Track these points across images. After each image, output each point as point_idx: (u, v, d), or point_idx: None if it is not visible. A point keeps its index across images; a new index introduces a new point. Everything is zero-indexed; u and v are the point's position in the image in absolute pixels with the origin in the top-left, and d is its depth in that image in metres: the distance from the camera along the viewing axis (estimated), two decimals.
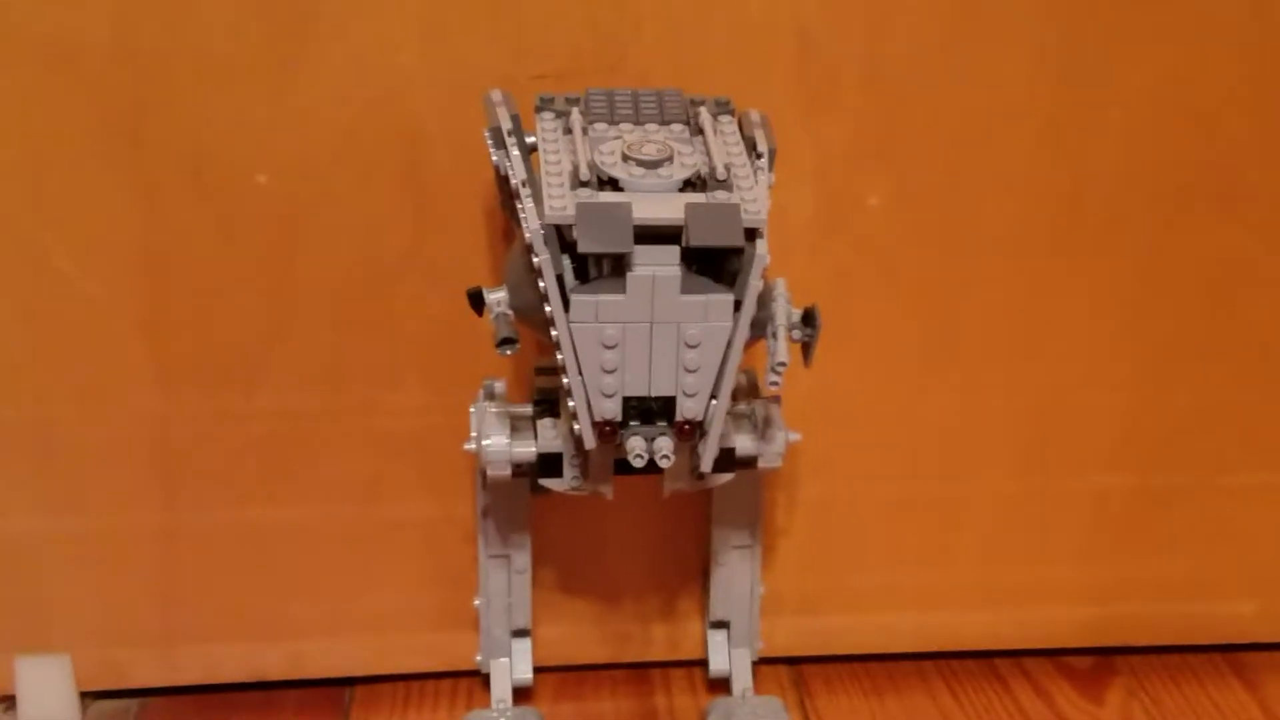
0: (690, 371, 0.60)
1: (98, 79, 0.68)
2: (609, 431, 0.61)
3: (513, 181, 0.60)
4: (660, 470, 0.63)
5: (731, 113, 0.65)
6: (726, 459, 0.69)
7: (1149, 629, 0.89)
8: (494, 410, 0.70)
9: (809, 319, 0.63)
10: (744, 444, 0.70)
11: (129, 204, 0.71)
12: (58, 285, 0.72)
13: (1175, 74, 0.74)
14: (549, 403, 0.70)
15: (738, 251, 0.57)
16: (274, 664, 0.83)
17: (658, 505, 0.77)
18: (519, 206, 0.59)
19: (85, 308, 0.73)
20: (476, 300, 0.64)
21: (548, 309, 0.58)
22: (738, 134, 0.63)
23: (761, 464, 0.71)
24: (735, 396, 0.71)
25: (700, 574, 0.83)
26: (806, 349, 0.64)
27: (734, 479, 0.71)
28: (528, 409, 0.70)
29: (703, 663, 0.84)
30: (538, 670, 0.81)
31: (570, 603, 0.84)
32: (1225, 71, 0.74)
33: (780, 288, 0.63)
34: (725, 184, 0.58)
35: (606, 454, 0.67)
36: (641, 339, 0.59)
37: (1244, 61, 0.74)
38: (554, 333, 0.58)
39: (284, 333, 0.75)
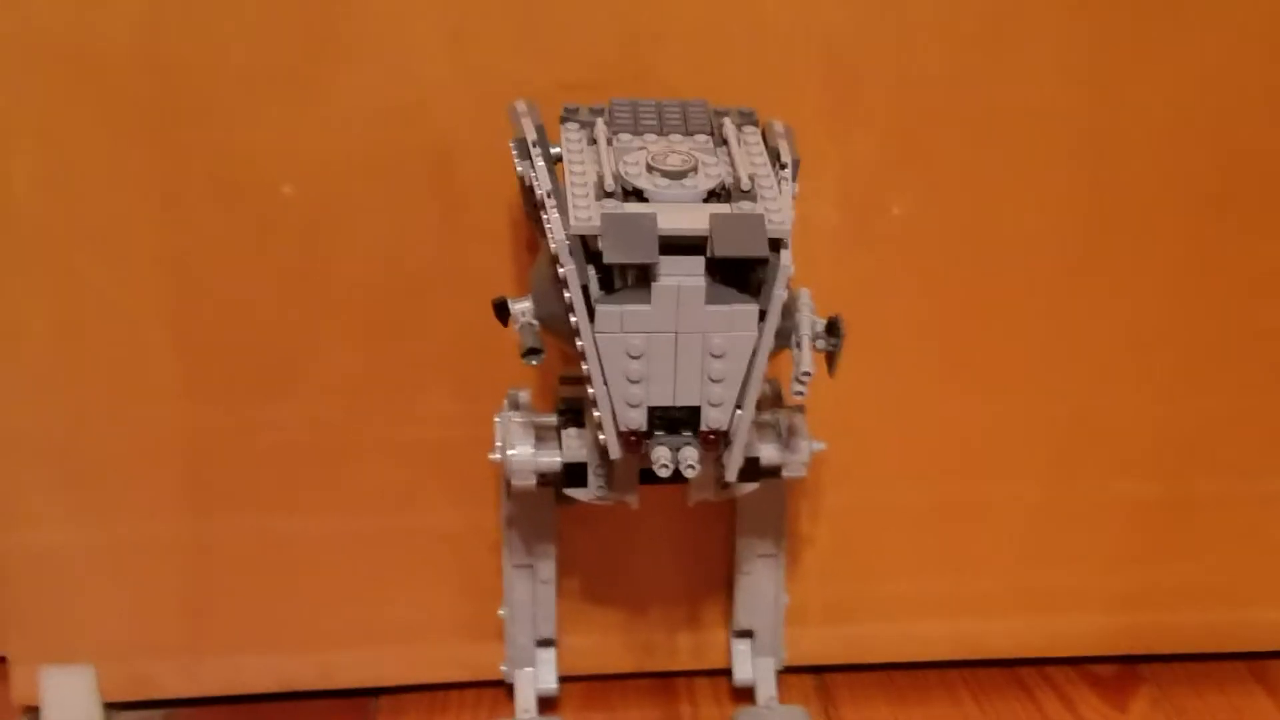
0: (715, 381, 0.60)
1: (126, 89, 0.69)
2: (634, 441, 0.61)
3: (538, 192, 0.60)
4: (685, 480, 0.63)
5: (756, 123, 0.65)
6: (751, 468, 0.69)
7: (1173, 637, 0.88)
8: (519, 420, 0.70)
9: (833, 329, 0.63)
10: (769, 453, 0.70)
11: (158, 214, 0.71)
12: (86, 295, 0.73)
13: (1205, 82, 0.74)
14: (574, 412, 0.70)
15: (762, 262, 0.58)
16: (300, 674, 0.83)
17: (683, 514, 0.77)
18: (544, 217, 0.59)
19: (113, 318, 0.73)
20: (502, 310, 0.64)
21: (573, 319, 0.58)
22: (762, 145, 0.63)
23: (786, 473, 0.71)
24: (760, 406, 0.71)
25: (725, 583, 0.83)
26: (831, 359, 0.64)
27: (759, 488, 0.71)
28: (553, 419, 0.71)
29: (727, 672, 0.84)
30: (563, 680, 0.81)
31: (595, 612, 0.84)
32: (1255, 79, 0.74)
33: (805, 297, 0.63)
34: (749, 194, 0.58)
35: (632, 464, 0.67)
36: (666, 349, 0.59)
37: (1274, 68, 0.74)
38: (579, 343, 0.59)
39: (311, 343, 0.75)
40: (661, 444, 0.62)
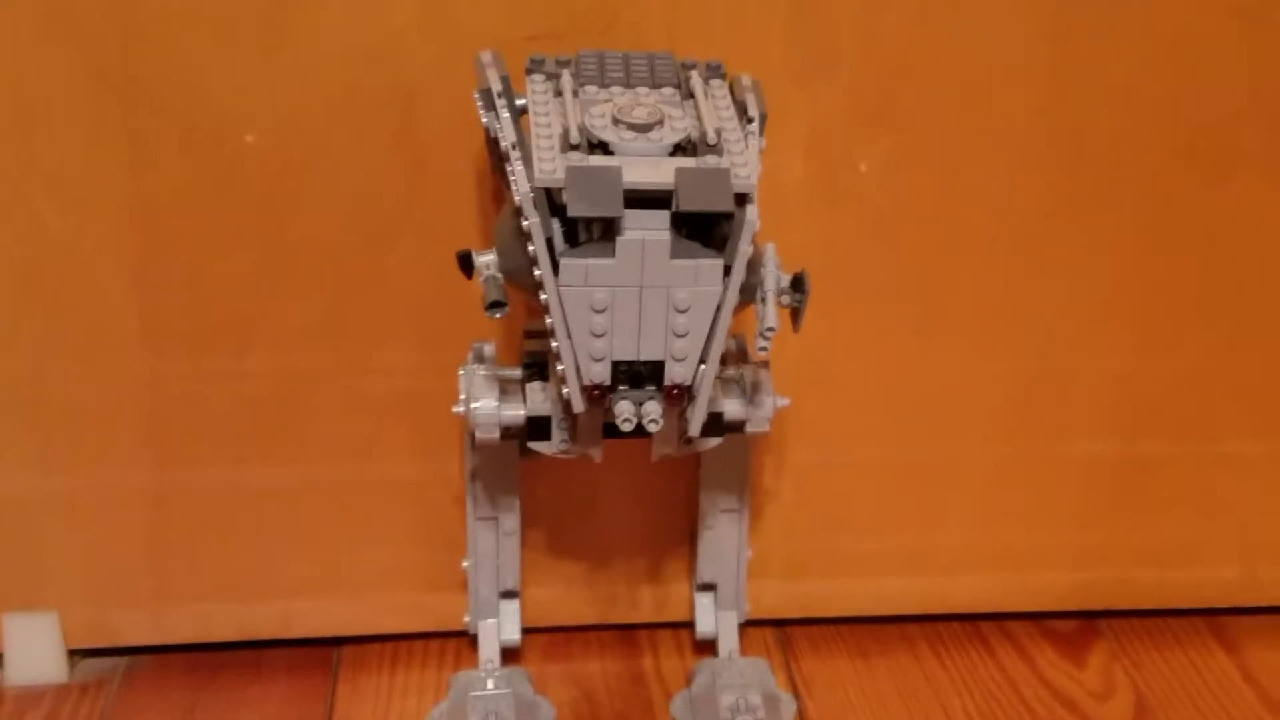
0: (679, 336, 0.60)
1: (90, 36, 0.68)
2: (598, 395, 0.61)
3: (503, 144, 0.60)
4: (649, 434, 0.64)
5: (723, 77, 0.65)
6: (714, 423, 0.69)
7: (1132, 593, 0.89)
8: (483, 373, 0.70)
9: (798, 284, 0.63)
10: (732, 408, 0.70)
11: (120, 162, 0.71)
12: (48, 243, 0.72)
13: (1170, 42, 0.74)
14: (538, 366, 0.70)
15: (728, 216, 0.57)
16: (263, 624, 0.83)
17: (646, 468, 0.77)
18: (509, 169, 0.59)
19: (76, 266, 0.73)
20: (466, 263, 0.64)
21: (537, 272, 0.58)
22: (729, 98, 0.63)
23: (750, 428, 0.71)
24: (724, 361, 0.71)
25: (688, 537, 0.84)
26: (795, 314, 0.64)
27: (722, 443, 0.71)
28: (517, 372, 0.70)
29: (690, 625, 0.85)
30: (526, 631, 0.82)
31: (559, 564, 0.84)
32: (1221, 38, 0.74)
33: (770, 253, 0.63)
34: (716, 149, 0.58)
35: (595, 418, 0.67)
36: (631, 303, 0.59)
37: (1239, 28, 0.74)
38: (543, 296, 0.59)
39: (275, 293, 0.75)
40: (625, 398, 0.62)
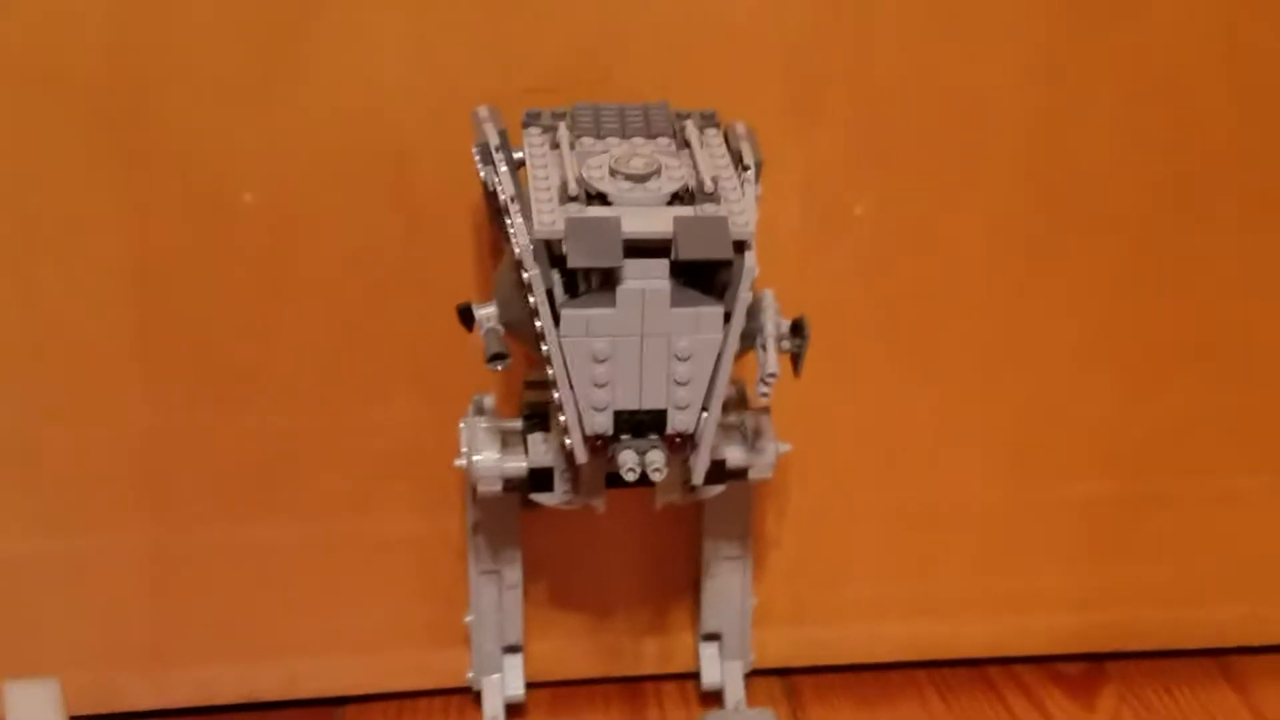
0: (681, 384, 0.60)
1: (88, 97, 0.68)
2: (600, 445, 0.61)
3: (501, 198, 0.60)
4: (652, 483, 0.63)
5: (718, 125, 0.65)
6: (717, 471, 0.69)
7: (1139, 634, 0.89)
8: (484, 426, 0.70)
9: (798, 330, 0.63)
10: (735, 456, 0.70)
11: (119, 221, 0.71)
12: (46, 302, 0.72)
13: (1157, 81, 0.75)
14: (539, 417, 0.70)
15: (727, 264, 0.58)
16: (265, 684, 0.83)
17: (649, 518, 0.77)
18: (508, 222, 0.59)
19: (74, 325, 0.73)
20: (466, 316, 0.64)
21: (538, 324, 0.58)
22: (724, 147, 0.63)
23: (752, 475, 0.71)
24: (725, 408, 0.71)
25: (692, 586, 0.83)
26: (796, 360, 0.64)
27: (725, 490, 0.71)
28: (518, 423, 0.70)
29: (695, 675, 0.84)
30: (530, 686, 0.81)
31: (562, 617, 0.84)
32: (1206, 77, 0.75)
33: (769, 299, 0.63)
34: (713, 197, 0.58)
35: (598, 468, 0.67)
36: (632, 352, 0.59)
37: (1223, 67, 0.75)
38: (544, 347, 0.59)
39: (274, 349, 0.75)
40: (628, 448, 0.62)
